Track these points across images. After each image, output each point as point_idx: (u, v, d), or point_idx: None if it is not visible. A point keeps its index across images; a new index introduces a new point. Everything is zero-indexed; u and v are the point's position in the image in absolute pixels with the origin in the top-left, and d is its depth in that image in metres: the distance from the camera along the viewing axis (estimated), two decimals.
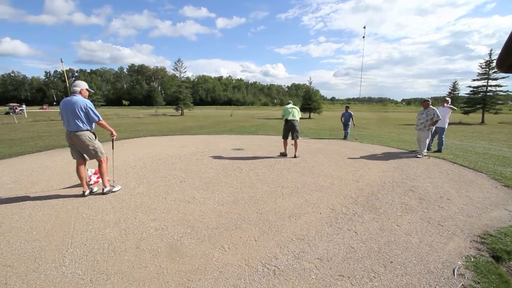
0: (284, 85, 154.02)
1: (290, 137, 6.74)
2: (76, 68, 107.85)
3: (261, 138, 10.65)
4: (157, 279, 2.08)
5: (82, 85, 3.75)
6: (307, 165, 5.82)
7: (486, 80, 23.06)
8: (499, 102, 23.49)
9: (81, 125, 3.59)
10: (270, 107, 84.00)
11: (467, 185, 4.48)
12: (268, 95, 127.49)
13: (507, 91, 22.94)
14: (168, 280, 2.06)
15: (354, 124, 10.59)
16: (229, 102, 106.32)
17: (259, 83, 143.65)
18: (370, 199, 3.82)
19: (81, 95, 3.68)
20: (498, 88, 22.75)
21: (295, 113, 6.73)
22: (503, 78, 22.40)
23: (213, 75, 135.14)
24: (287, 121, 6.71)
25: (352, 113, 10.52)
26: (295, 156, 6.66)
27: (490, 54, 22.53)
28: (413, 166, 5.80)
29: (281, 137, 6.95)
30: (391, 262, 2.31)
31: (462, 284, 2.01)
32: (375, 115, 33.40)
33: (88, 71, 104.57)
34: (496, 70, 21.38)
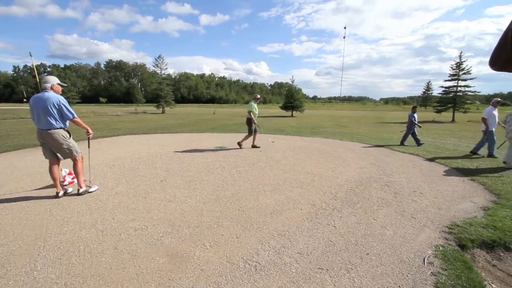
0: (267, 83, 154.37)
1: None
2: (48, 63, 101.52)
3: (243, 136, 10.62)
4: (136, 280, 2.03)
5: (52, 80, 3.55)
6: (289, 163, 5.91)
7: (456, 81, 24.46)
8: (468, 101, 25.01)
9: (53, 122, 3.41)
10: None
11: (438, 180, 4.76)
12: (251, 93, 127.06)
13: (475, 91, 24.44)
14: (148, 280, 2.02)
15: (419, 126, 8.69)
16: (212, 100, 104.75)
17: (242, 81, 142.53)
18: (348, 195, 3.95)
19: (53, 91, 3.50)
20: (467, 89, 24.22)
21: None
22: (471, 79, 23.89)
23: (195, 72, 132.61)
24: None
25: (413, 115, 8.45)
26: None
27: (460, 56, 23.90)
28: (390, 162, 6.06)
29: (253, 132, 7.69)
30: (367, 253, 2.41)
31: (431, 272, 2.14)
32: (355, 114, 34.42)
33: (62, 66, 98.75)
34: (465, 72, 22.64)
